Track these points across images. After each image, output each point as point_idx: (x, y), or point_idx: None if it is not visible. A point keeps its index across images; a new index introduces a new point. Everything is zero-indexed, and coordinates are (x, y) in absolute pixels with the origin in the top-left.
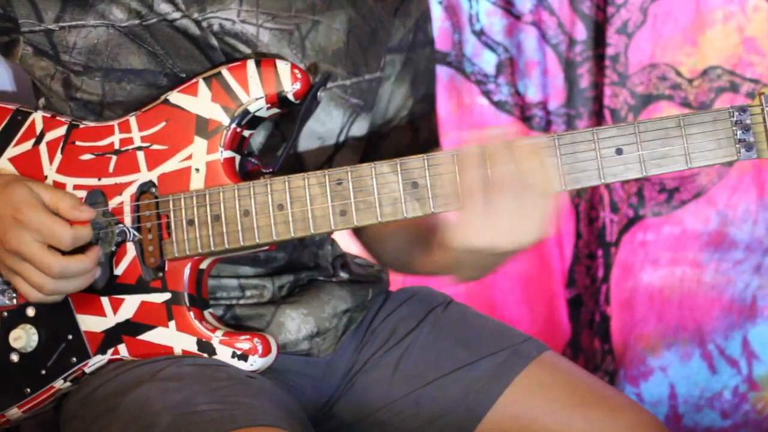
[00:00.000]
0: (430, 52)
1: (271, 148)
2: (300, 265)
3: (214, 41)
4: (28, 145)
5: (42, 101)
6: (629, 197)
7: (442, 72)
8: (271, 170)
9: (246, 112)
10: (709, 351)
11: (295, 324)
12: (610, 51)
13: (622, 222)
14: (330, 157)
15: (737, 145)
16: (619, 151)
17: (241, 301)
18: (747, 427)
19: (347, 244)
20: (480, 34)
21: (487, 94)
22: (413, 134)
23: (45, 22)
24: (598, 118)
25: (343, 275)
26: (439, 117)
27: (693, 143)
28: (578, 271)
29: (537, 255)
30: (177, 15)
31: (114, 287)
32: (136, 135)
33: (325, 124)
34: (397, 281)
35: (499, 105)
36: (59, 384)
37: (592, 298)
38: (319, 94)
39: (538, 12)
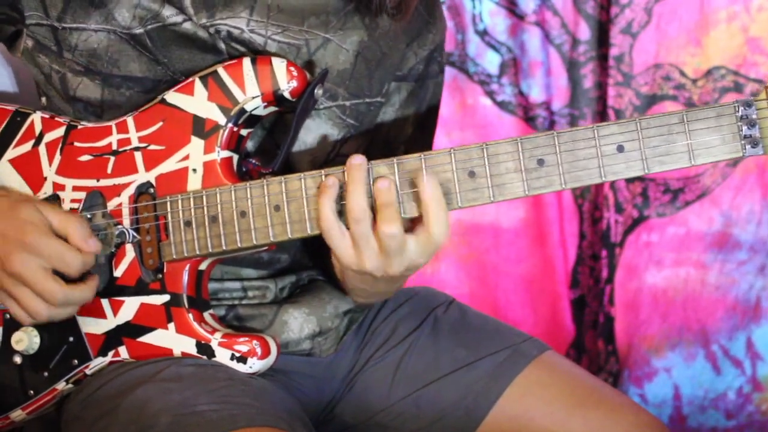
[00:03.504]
0: (441, 80)
1: (265, 153)
2: (302, 266)
3: (221, 45)
4: (27, 146)
5: (44, 100)
6: (634, 198)
7: (445, 72)
8: (270, 170)
9: (242, 111)
10: (713, 352)
11: (298, 323)
12: (614, 51)
13: (627, 223)
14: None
15: (742, 141)
16: (620, 149)
17: (244, 302)
18: (751, 428)
19: None
20: (483, 34)
21: (490, 94)
22: None
23: (50, 18)
24: (602, 118)
25: None
26: (442, 118)
27: (696, 139)
28: (582, 272)
29: (540, 256)
30: (179, 19)
31: (114, 289)
32: (134, 135)
33: (320, 142)
34: None
35: (502, 105)
36: (61, 386)
37: (595, 299)
38: (317, 91)
39: (541, 12)
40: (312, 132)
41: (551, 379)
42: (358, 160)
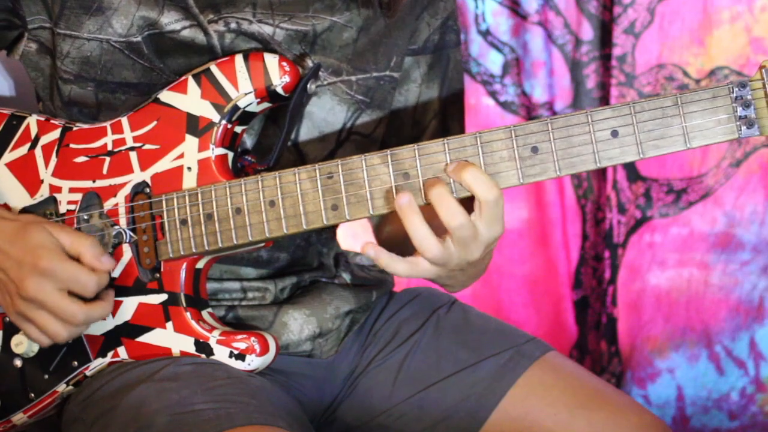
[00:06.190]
0: (459, 53)
1: (267, 144)
2: (303, 266)
3: (218, 48)
4: (23, 149)
5: (41, 104)
6: (636, 198)
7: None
8: (266, 166)
9: (236, 107)
10: (717, 352)
11: (298, 324)
12: (616, 51)
13: (630, 223)
14: (332, 152)
15: (738, 123)
16: (614, 134)
17: (243, 303)
18: (754, 429)
19: (351, 245)
20: (486, 34)
21: (493, 94)
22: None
23: (52, 21)
24: None
25: (345, 277)
26: None
27: (691, 122)
28: (585, 273)
29: (543, 257)
30: (177, 26)
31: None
32: (129, 135)
33: (327, 119)
34: (401, 282)
35: (505, 105)
36: (62, 388)
37: (598, 299)
38: (309, 86)
39: (544, 12)
40: (320, 111)
41: (554, 380)
42: (404, 200)
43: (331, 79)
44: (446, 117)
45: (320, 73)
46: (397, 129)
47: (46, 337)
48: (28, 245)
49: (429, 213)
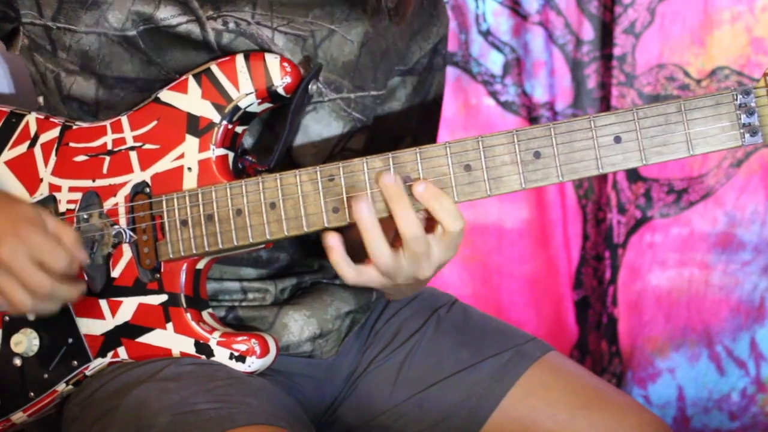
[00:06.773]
0: (443, 76)
1: (264, 149)
2: (303, 267)
3: (214, 45)
4: (23, 147)
5: (41, 99)
6: (637, 198)
7: (448, 72)
8: (266, 168)
9: (237, 108)
10: (717, 352)
11: (298, 325)
12: (617, 51)
13: (630, 223)
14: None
15: (741, 130)
16: (617, 139)
17: (244, 303)
18: (755, 429)
19: None
20: (487, 34)
21: (493, 94)
22: None
23: (45, 18)
24: None
25: None
26: (445, 118)
27: (695, 129)
28: (585, 273)
29: (544, 257)
30: (175, 21)
31: (112, 290)
32: (129, 135)
33: (322, 134)
34: None
35: (505, 106)
36: (61, 387)
37: (599, 299)
38: (311, 87)
39: (545, 12)
40: (316, 125)
41: (555, 380)
42: (364, 211)
43: (332, 95)
44: (421, 132)
45: (322, 89)
46: (374, 143)
47: (11, 306)
48: (12, 215)
49: (385, 226)
